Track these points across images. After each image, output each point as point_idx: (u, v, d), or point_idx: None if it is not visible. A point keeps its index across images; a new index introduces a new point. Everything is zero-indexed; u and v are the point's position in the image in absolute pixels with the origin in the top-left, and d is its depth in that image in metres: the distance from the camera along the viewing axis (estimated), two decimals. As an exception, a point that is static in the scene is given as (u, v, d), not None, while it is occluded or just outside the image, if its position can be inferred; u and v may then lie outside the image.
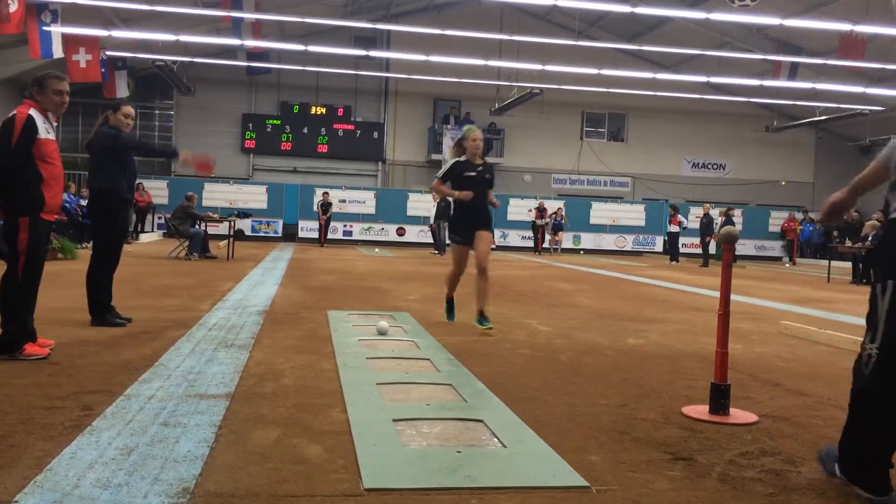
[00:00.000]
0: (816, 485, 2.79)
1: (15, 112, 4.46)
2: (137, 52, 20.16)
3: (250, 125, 25.73)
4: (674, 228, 21.25)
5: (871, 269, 14.71)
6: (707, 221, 20.36)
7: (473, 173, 6.33)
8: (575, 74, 21.45)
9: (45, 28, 15.73)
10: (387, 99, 26.73)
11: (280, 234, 24.56)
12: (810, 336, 6.58)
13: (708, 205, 21.87)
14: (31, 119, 4.42)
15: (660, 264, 19.94)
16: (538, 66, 20.32)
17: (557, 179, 27.75)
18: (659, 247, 26.12)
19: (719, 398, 3.70)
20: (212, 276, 10.51)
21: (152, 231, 22.52)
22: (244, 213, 19.32)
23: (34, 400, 3.47)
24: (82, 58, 17.85)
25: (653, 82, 23.12)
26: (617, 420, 3.57)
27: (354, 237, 24.82)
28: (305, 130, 25.77)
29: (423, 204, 23.96)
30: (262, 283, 9.74)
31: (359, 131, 26.14)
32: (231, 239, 15.27)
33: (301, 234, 24.42)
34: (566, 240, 24.79)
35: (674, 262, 20.68)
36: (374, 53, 22.06)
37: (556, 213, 23.84)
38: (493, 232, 6.54)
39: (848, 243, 17.13)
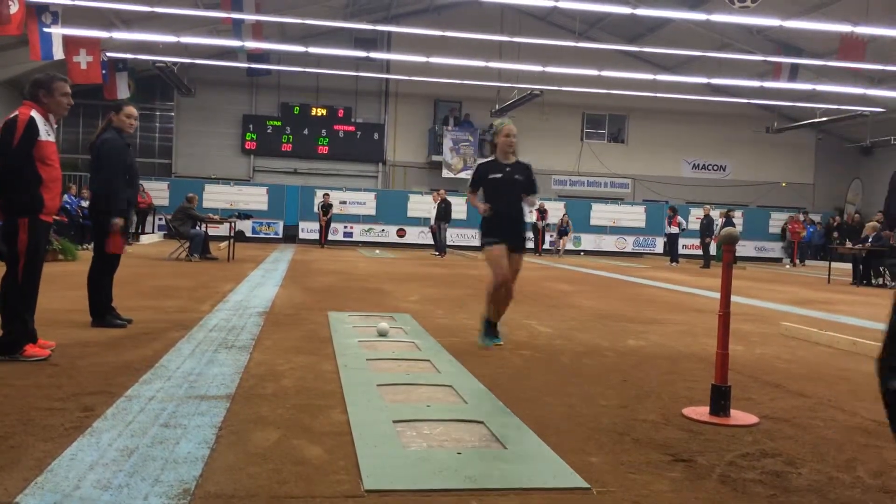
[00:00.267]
0: (817, 486, 2.79)
1: (17, 113, 4.46)
2: (138, 54, 20.18)
3: (251, 126, 25.74)
4: (673, 230, 21.26)
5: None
6: (707, 223, 20.37)
7: (500, 174, 5.53)
8: (575, 76, 21.46)
9: (46, 29, 15.74)
10: (387, 100, 26.74)
11: (280, 236, 24.56)
12: (810, 337, 6.58)
13: (708, 206, 21.87)
14: (32, 120, 4.43)
15: (660, 265, 19.93)
16: (538, 68, 20.32)
17: (558, 181, 27.75)
18: (659, 248, 26.12)
19: (720, 399, 3.70)
20: (212, 277, 10.51)
21: (153, 232, 22.52)
22: (245, 215, 19.33)
23: (35, 401, 3.48)
24: (83, 59, 17.86)
25: (653, 84, 23.13)
26: (617, 421, 3.57)
27: (355, 238, 24.82)
28: (306, 132, 25.78)
29: (423, 205, 23.97)
30: (263, 284, 9.74)
31: (359, 132, 26.15)
32: (231, 240, 15.28)
33: (301, 236, 24.42)
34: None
35: (674, 264, 20.68)
36: (374, 55, 22.07)
37: (562, 219, 23.87)
38: (525, 248, 5.74)
39: (848, 244, 17.13)
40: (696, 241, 22.45)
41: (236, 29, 18.15)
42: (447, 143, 25.47)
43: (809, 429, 3.60)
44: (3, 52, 18.48)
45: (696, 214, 23.42)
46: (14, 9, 14.59)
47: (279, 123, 25.75)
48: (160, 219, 22.58)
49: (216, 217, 15.82)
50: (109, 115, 5.86)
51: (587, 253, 25.60)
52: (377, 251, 21.18)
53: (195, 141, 25.77)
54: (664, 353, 5.60)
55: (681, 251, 22.88)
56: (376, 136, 26.36)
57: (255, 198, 24.35)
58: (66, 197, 16.85)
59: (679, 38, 22.03)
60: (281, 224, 24.63)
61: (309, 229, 24.14)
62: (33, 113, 4.47)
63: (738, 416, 3.70)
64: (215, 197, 23.68)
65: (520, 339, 6.02)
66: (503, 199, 5.49)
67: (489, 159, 5.73)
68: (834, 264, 16.91)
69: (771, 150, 28.29)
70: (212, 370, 4.29)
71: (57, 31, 15.89)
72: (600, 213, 26.20)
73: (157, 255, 14.83)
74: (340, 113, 25.96)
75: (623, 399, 4.04)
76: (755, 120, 27.38)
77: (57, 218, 13.56)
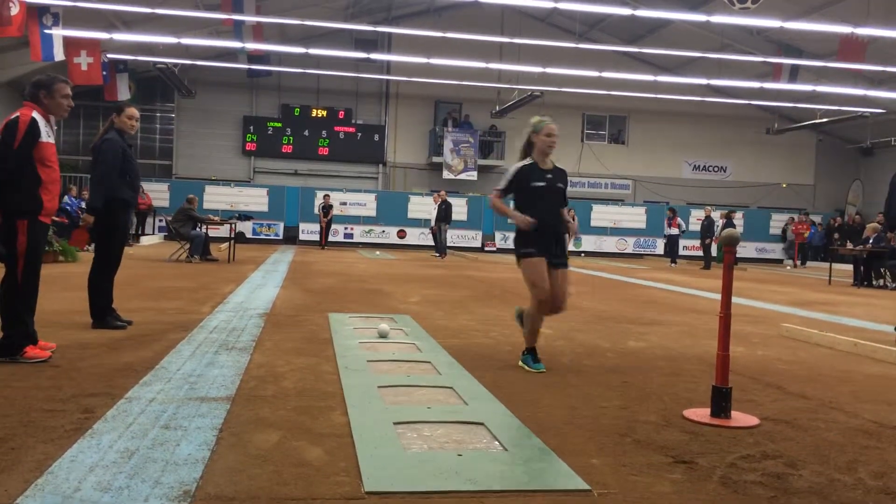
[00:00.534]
0: (818, 488, 2.78)
1: (18, 114, 4.46)
2: (138, 55, 20.19)
3: (251, 128, 25.75)
4: (673, 231, 21.28)
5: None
6: (708, 224, 20.38)
7: (542, 183, 4.88)
8: (576, 77, 21.46)
9: (47, 31, 15.75)
10: (387, 101, 26.75)
11: (281, 237, 24.56)
12: (811, 339, 6.57)
13: (709, 207, 21.88)
14: (34, 121, 4.44)
15: (661, 267, 19.93)
16: (539, 69, 20.32)
17: (558, 182, 27.73)
18: (660, 249, 26.11)
19: (720, 401, 3.69)
20: (213, 278, 10.51)
21: (153, 234, 22.53)
22: (245, 216, 19.33)
23: (35, 403, 3.47)
24: (83, 60, 17.88)
25: (653, 85, 23.13)
26: (618, 423, 3.57)
27: (355, 240, 24.82)
28: (306, 133, 25.78)
29: (423, 206, 23.97)
30: (263, 285, 9.74)
31: (359, 134, 26.16)
32: (232, 241, 15.28)
33: (302, 237, 24.42)
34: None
35: (673, 265, 20.68)
36: (374, 56, 22.07)
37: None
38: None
39: (849, 246, 17.12)
40: (697, 243, 22.45)
41: (237, 30, 18.16)
42: (447, 145, 25.47)
43: (810, 430, 3.59)
44: (3, 53, 18.50)
45: (697, 216, 23.42)
46: (15, 10, 14.61)
47: (280, 125, 25.76)
48: (160, 220, 22.57)
49: (216, 218, 15.82)
50: (111, 116, 5.87)
51: (587, 254, 25.60)
52: (377, 252, 21.18)
53: (196, 142, 25.78)
54: (665, 355, 5.60)
55: (681, 252, 22.88)
56: (377, 137, 26.37)
57: (255, 199, 24.35)
58: (66, 198, 16.86)
59: (679, 40, 22.03)
60: (281, 225, 24.63)
61: (309, 230, 24.14)
62: (35, 114, 4.47)
63: (739, 418, 3.70)
64: (216, 198, 23.68)
65: (520, 340, 6.00)
66: (547, 210, 4.83)
67: (527, 163, 4.97)
68: (835, 265, 16.90)
69: (771, 151, 28.29)
70: (212, 372, 4.28)
71: (58, 33, 15.91)
72: (601, 215, 26.19)
73: (157, 256, 14.83)
74: (341, 114, 25.97)
75: (624, 400, 4.04)
76: (756, 121, 27.38)
77: (56, 219, 13.59)
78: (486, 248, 25.24)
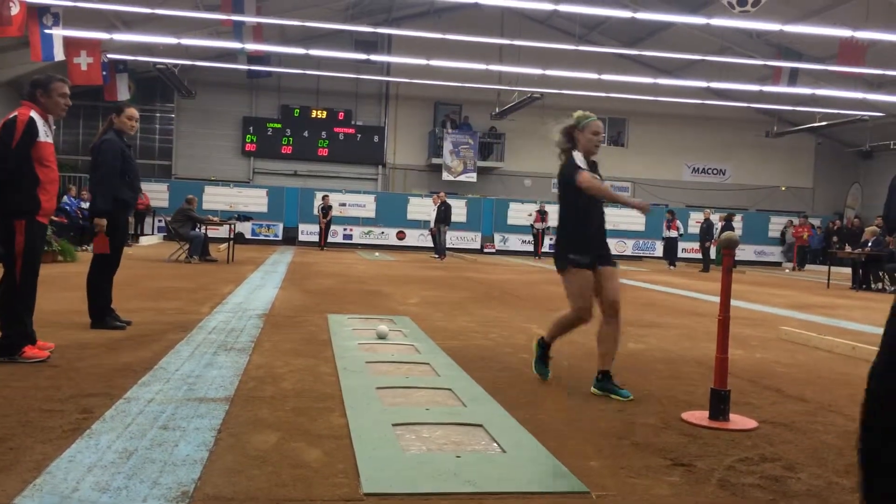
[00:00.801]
0: (816, 491, 2.78)
1: (16, 113, 4.45)
2: (138, 55, 20.19)
3: (251, 128, 25.74)
4: (672, 234, 21.31)
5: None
6: (707, 226, 20.40)
7: (599, 177, 4.63)
8: (575, 79, 21.46)
9: (47, 31, 15.75)
10: (387, 103, 26.75)
11: (280, 238, 24.55)
12: (810, 342, 6.58)
13: (708, 210, 21.89)
14: (32, 121, 4.43)
15: (660, 269, 19.93)
16: (539, 71, 20.33)
17: (557, 184, 27.76)
18: (659, 251, 26.12)
19: (719, 404, 3.70)
20: (212, 279, 10.51)
21: (152, 234, 22.52)
22: (244, 217, 19.34)
23: (33, 403, 3.47)
24: (83, 60, 17.87)
25: (653, 87, 23.14)
26: (616, 425, 3.57)
27: (354, 241, 24.81)
28: (306, 134, 25.78)
29: (423, 208, 23.97)
30: (262, 286, 9.74)
31: (359, 135, 26.16)
32: (231, 242, 15.27)
33: (301, 238, 24.41)
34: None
35: (672, 267, 20.69)
36: (374, 57, 22.06)
37: None
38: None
39: (848, 249, 17.12)
40: (696, 245, 22.44)
41: (237, 31, 18.16)
42: (447, 146, 25.47)
43: (809, 433, 3.59)
44: (3, 53, 18.49)
45: (696, 218, 23.42)
46: (15, 10, 14.61)
47: (279, 125, 25.76)
48: (160, 220, 22.56)
49: (216, 219, 15.82)
50: (110, 116, 5.86)
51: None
52: (377, 254, 21.18)
53: (195, 142, 25.77)
54: (664, 357, 5.60)
55: (680, 255, 22.88)
56: (376, 138, 26.37)
57: (254, 200, 24.35)
58: (65, 198, 16.86)
59: (679, 42, 22.04)
60: (280, 226, 24.62)
61: (308, 231, 24.13)
62: (32, 113, 4.46)
63: (738, 421, 3.70)
64: (215, 199, 23.67)
65: (519, 342, 6.02)
66: (598, 208, 4.58)
67: (582, 156, 4.63)
68: (833, 269, 16.91)
69: (771, 154, 28.31)
70: (211, 372, 4.28)
71: (58, 33, 15.91)
72: (600, 217, 26.17)
73: (156, 256, 14.82)
74: (341, 115, 25.97)
75: (622, 403, 4.04)
76: (755, 124, 27.40)
77: (55, 219, 13.58)
78: (486, 250, 25.24)
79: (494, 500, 2.54)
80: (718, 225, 19.91)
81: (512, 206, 25.75)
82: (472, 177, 25.64)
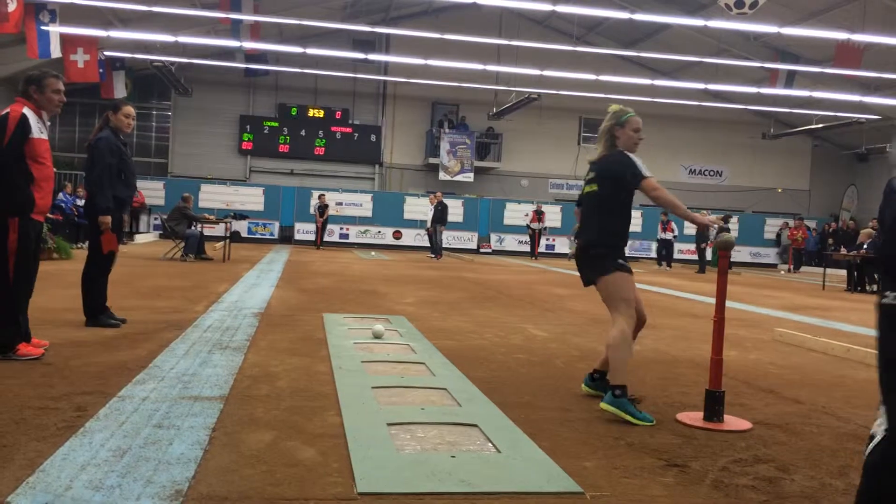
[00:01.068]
0: (810, 492, 2.79)
1: (8, 110, 4.42)
2: (135, 53, 20.15)
3: (248, 127, 25.71)
4: (667, 236, 21.36)
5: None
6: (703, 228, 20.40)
7: None
8: (573, 80, 21.48)
9: (44, 28, 15.72)
10: (385, 102, 26.75)
11: (276, 237, 24.53)
12: (805, 343, 6.59)
13: (705, 211, 21.91)
14: (24, 118, 4.39)
15: (655, 270, 19.97)
16: (536, 72, 20.34)
17: (554, 184, 27.79)
18: (655, 252, 26.18)
19: (713, 405, 3.70)
20: (207, 277, 10.49)
21: (148, 232, 22.47)
22: (240, 215, 19.29)
23: (27, 400, 3.46)
24: (80, 58, 17.83)
25: (651, 88, 23.17)
26: (611, 426, 3.57)
27: (351, 240, 24.80)
28: (303, 133, 25.76)
29: (419, 207, 23.97)
30: (258, 285, 9.73)
31: (356, 134, 26.15)
32: (227, 240, 15.25)
33: (297, 237, 24.39)
34: (562, 244, 24.88)
35: (668, 268, 20.74)
36: (372, 57, 22.05)
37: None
38: None
39: (843, 251, 17.17)
40: (690, 247, 22.48)
41: (234, 29, 18.14)
42: (444, 146, 25.47)
43: (803, 435, 3.60)
44: (0, 49, 18.44)
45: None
46: (12, 7, 14.56)
47: (276, 124, 25.74)
48: (155, 218, 22.53)
49: (212, 217, 15.79)
50: (106, 113, 5.84)
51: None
52: (373, 253, 21.17)
53: (192, 141, 25.73)
54: (659, 358, 5.61)
55: (676, 256, 22.92)
56: (373, 137, 26.36)
57: (251, 198, 24.32)
58: (61, 195, 16.81)
59: (676, 44, 22.08)
60: (277, 225, 24.59)
61: (305, 230, 24.11)
62: (25, 110, 4.43)
63: (732, 422, 3.71)
64: (211, 197, 23.64)
65: (515, 342, 6.02)
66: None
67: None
68: (829, 271, 16.95)
69: (767, 156, 28.37)
70: (206, 371, 4.27)
71: (54, 30, 15.87)
72: (596, 217, 26.21)
73: (151, 254, 14.80)
74: (338, 114, 25.95)
75: (617, 403, 4.03)
76: (752, 126, 27.46)
77: (51, 216, 13.54)
78: (482, 250, 25.24)
79: (489, 499, 2.54)
80: (714, 226, 19.91)
81: (508, 206, 25.75)
82: (468, 177, 25.65)
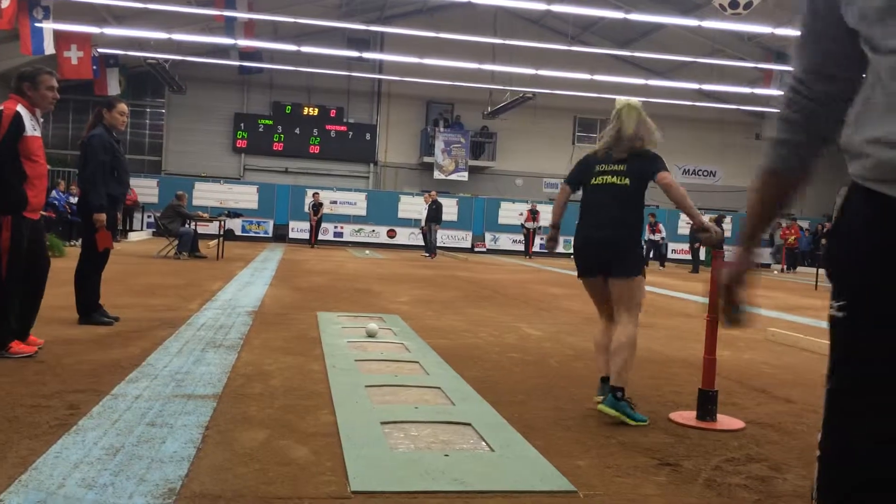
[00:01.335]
0: (802, 492, 2.80)
1: (2, 108, 4.39)
2: (129, 50, 20.08)
3: (242, 125, 25.66)
4: (655, 237, 21.44)
5: None
6: (697, 228, 20.48)
7: None
8: (567, 79, 21.52)
9: (37, 24, 15.65)
10: (379, 101, 26.72)
11: (270, 235, 24.48)
12: (797, 343, 6.62)
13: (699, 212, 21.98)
14: (18, 115, 4.37)
15: (651, 269, 20.01)
16: (531, 71, 20.37)
17: (549, 184, 27.81)
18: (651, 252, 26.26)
19: (706, 404, 3.72)
20: (201, 275, 10.47)
21: (141, 230, 22.41)
22: (234, 213, 19.27)
23: (20, 398, 3.45)
24: (74, 54, 17.77)
25: (645, 88, 23.21)
26: (604, 425, 3.58)
27: (345, 238, 24.77)
28: (297, 131, 25.73)
29: (414, 206, 23.96)
30: (252, 283, 9.71)
31: (351, 133, 26.12)
32: (221, 239, 15.22)
33: (291, 235, 24.36)
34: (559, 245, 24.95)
35: (661, 268, 20.82)
36: (367, 55, 22.04)
37: None
38: None
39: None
40: (681, 247, 22.56)
41: (229, 27, 18.11)
42: (439, 145, 25.48)
43: (795, 434, 3.62)
44: (-7, 46, 18.35)
45: (686, 219, 23.49)
46: (5, 3, 14.49)
47: (271, 122, 25.69)
48: (149, 216, 22.46)
49: (206, 215, 15.75)
50: (99, 110, 5.82)
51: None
52: (367, 252, 21.16)
53: (186, 138, 25.66)
54: (652, 357, 5.62)
55: (669, 255, 22.99)
56: (368, 136, 26.34)
57: (245, 196, 24.27)
58: (54, 193, 16.75)
59: (671, 44, 22.13)
60: (271, 223, 24.55)
61: (299, 229, 24.08)
62: (19, 107, 4.41)
63: (725, 421, 3.72)
64: (205, 195, 23.58)
65: (509, 341, 6.03)
66: None
67: None
68: (821, 271, 17.01)
69: (761, 156, 28.42)
70: (199, 369, 4.27)
71: (48, 26, 15.80)
72: (591, 217, 26.27)
73: (145, 252, 14.75)
74: (332, 113, 25.92)
75: (611, 403, 4.04)
76: (746, 126, 27.55)
77: (44, 213, 13.48)
78: (476, 249, 25.25)
79: (482, 498, 2.54)
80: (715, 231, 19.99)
81: (503, 205, 25.77)
82: (463, 176, 25.65)
